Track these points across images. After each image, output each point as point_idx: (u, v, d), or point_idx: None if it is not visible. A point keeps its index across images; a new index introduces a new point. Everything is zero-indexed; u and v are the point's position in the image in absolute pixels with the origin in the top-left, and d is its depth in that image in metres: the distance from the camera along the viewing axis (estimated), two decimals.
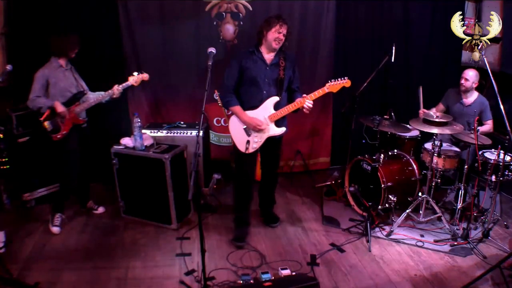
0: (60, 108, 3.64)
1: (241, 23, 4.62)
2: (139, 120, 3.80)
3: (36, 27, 4.18)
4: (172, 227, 3.88)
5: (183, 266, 3.37)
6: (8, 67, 3.41)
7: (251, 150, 3.48)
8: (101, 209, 4.22)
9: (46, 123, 3.69)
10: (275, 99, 3.42)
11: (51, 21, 4.26)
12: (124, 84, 3.80)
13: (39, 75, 3.65)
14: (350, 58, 4.97)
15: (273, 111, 3.43)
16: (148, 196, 3.89)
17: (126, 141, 3.90)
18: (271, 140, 3.53)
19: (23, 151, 4.15)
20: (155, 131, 4.21)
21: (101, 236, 3.82)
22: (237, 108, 3.45)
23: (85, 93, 3.86)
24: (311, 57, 4.85)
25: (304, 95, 3.39)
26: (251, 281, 3.13)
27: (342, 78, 3.33)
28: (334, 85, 3.33)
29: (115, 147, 3.91)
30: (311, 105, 3.35)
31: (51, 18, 4.25)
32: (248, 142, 3.45)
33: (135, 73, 3.85)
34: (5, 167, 4.14)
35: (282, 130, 3.50)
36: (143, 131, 3.99)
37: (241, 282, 3.11)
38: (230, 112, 3.64)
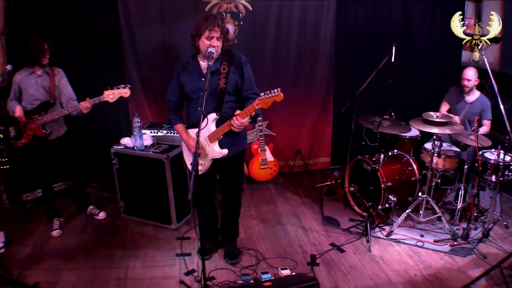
0: (17, 112, 3.54)
1: (241, 23, 4.61)
2: (139, 120, 3.81)
3: (36, 27, 4.18)
4: (172, 227, 3.88)
5: (183, 266, 3.37)
6: (8, 67, 3.42)
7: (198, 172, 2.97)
8: (102, 215, 4.11)
9: (11, 129, 3.63)
10: (213, 116, 2.96)
11: (51, 21, 4.26)
12: (95, 99, 3.43)
13: (13, 80, 3.61)
14: (350, 58, 4.97)
15: (213, 130, 2.99)
16: (148, 196, 3.89)
17: (126, 141, 3.90)
18: (221, 162, 3.09)
19: (23, 151, 4.13)
20: (155, 131, 4.21)
21: (101, 236, 3.82)
22: (178, 127, 3.16)
23: (53, 103, 3.58)
24: (311, 57, 4.84)
25: (238, 111, 2.89)
26: (251, 281, 3.14)
27: (273, 91, 2.67)
28: (265, 100, 2.70)
29: (115, 147, 3.91)
30: (239, 123, 2.84)
31: (51, 18, 4.25)
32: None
33: (114, 88, 3.42)
34: (5, 167, 4.14)
35: (221, 152, 3.00)
36: (143, 131, 3.99)
37: (241, 282, 3.12)
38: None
